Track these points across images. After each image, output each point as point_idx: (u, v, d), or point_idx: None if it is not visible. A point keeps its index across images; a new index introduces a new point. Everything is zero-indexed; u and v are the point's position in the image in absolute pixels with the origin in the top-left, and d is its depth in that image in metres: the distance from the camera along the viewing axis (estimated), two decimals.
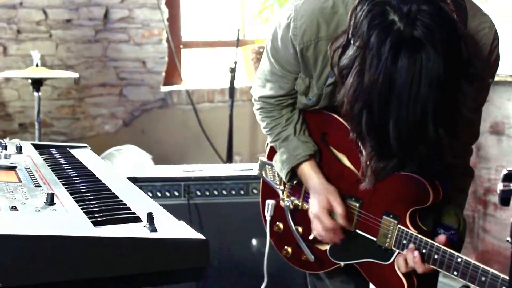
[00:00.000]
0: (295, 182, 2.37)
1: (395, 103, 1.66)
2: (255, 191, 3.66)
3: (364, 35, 1.69)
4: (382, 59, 1.65)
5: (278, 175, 2.40)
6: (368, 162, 1.83)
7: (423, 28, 1.64)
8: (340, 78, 1.80)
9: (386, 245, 2.12)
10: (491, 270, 1.85)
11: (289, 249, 2.47)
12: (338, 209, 2.20)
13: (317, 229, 2.24)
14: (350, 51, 1.74)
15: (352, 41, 1.74)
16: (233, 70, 5.24)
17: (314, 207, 2.23)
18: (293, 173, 2.32)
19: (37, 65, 4.11)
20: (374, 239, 2.16)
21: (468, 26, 1.91)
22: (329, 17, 2.03)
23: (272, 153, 2.45)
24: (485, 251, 4.32)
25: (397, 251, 2.10)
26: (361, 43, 1.70)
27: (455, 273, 1.94)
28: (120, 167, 4.41)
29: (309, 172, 2.28)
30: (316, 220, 2.24)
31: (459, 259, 1.93)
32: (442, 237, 2.04)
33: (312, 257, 2.36)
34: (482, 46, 1.96)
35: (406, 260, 2.05)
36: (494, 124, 4.15)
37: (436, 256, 1.99)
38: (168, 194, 3.64)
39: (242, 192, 3.68)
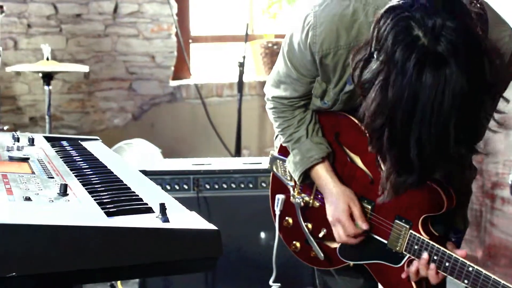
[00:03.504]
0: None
1: (417, 119, 1.65)
2: (263, 184, 3.68)
3: (388, 50, 1.66)
4: (407, 75, 1.63)
5: (289, 171, 2.41)
6: (387, 177, 1.80)
7: (447, 44, 1.62)
8: (362, 91, 1.78)
9: (397, 249, 2.12)
10: (502, 281, 1.85)
11: (298, 244, 2.47)
12: (358, 214, 2.20)
13: (339, 234, 2.23)
14: (374, 65, 1.72)
15: (375, 55, 1.72)
16: (241, 65, 5.25)
17: (335, 211, 2.22)
18: (305, 175, 2.31)
19: (47, 59, 4.14)
20: (385, 241, 2.17)
21: (489, 36, 1.88)
22: (349, 25, 2.00)
23: (283, 147, 2.45)
24: (492, 245, 4.32)
25: (408, 255, 2.11)
26: (385, 58, 1.68)
27: (466, 281, 1.93)
28: (129, 161, 4.43)
29: (324, 175, 2.27)
30: (338, 225, 2.22)
31: (470, 268, 1.93)
32: (451, 244, 2.05)
33: (322, 255, 2.36)
34: (502, 55, 1.93)
35: (418, 270, 2.06)
36: (501, 118, 4.15)
37: (447, 264, 1.99)
38: (177, 187, 3.66)
39: (250, 186, 3.70)
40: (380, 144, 1.73)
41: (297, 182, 2.37)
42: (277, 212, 2.48)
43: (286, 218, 2.49)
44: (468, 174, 2.19)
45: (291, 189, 2.43)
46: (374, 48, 1.73)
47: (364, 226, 2.20)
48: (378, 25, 1.72)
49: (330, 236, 2.33)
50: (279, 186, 2.50)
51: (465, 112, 1.65)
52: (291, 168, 2.35)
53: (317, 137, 2.29)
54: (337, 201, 2.23)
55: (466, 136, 1.69)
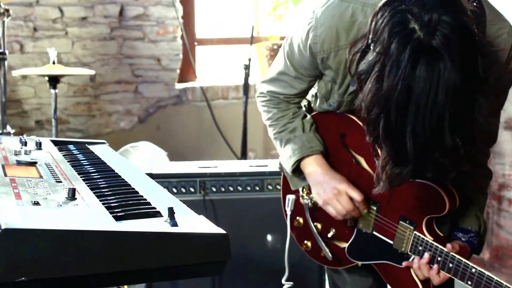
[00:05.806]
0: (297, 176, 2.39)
1: (412, 110, 1.67)
2: (270, 187, 3.68)
3: (384, 41, 1.70)
4: (401, 66, 1.66)
5: (280, 162, 2.43)
6: (383, 167, 1.83)
7: (442, 38, 1.65)
8: (359, 82, 1.81)
9: (403, 249, 2.14)
10: (505, 283, 1.88)
11: (309, 244, 2.48)
12: (355, 194, 2.21)
13: (337, 209, 2.23)
14: (370, 57, 1.75)
15: (372, 47, 1.75)
16: (247, 67, 5.25)
17: (328, 188, 2.24)
18: (298, 165, 2.33)
19: (53, 63, 4.15)
20: (391, 242, 2.18)
21: (487, 33, 1.91)
22: (348, 26, 2.04)
23: None
24: (499, 247, 4.31)
25: (413, 256, 2.12)
26: (381, 50, 1.71)
27: (469, 282, 1.96)
28: (135, 164, 4.43)
29: (319, 162, 2.30)
30: (332, 202, 2.23)
31: (473, 270, 1.95)
32: (456, 243, 2.06)
33: (330, 255, 2.38)
34: (500, 52, 1.95)
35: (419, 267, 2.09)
36: (509, 119, 4.15)
37: (451, 265, 2.01)
38: (183, 190, 3.66)
39: (257, 188, 3.69)
40: (376, 134, 1.76)
41: (289, 170, 2.37)
42: (288, 212, 2.50)
43: (297, 218, 2.51)
44: (474, 175, 2.19)
45: (300, 189, 2.45)
46: (371, 40, 1.76)
47: (360, 204, 2.21)
48: (376, 17, 1.76)
49: (339, 236, 2.36)
50: (289, 186, 2.52)
51: (458, 106, 1.67)
52: (285, 155, 2.36)
53: (317, 133, 2.34)
54: (329, 180, 2.25)
55: (461, 128, 1.71)
